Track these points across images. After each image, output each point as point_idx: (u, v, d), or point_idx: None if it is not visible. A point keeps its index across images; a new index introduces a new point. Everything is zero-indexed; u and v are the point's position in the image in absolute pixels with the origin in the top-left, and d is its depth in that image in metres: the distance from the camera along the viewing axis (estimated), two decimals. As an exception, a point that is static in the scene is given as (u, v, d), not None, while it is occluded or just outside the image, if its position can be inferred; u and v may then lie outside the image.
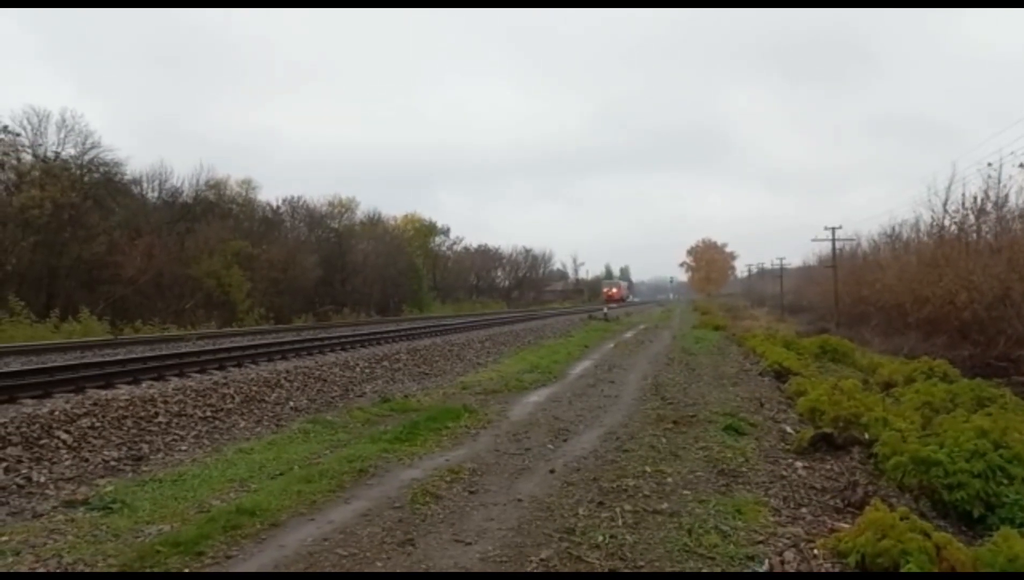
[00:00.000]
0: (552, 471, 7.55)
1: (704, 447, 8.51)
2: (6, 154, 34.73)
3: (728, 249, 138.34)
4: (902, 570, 4.70)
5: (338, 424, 10.58)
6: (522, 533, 5.65)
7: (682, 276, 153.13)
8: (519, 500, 6.54)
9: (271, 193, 64.62)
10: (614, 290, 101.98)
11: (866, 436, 8.97)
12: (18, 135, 34.94)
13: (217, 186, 48.42)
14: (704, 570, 4.90)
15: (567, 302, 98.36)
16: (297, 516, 6.18)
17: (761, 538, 5.51)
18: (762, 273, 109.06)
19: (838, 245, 54.47)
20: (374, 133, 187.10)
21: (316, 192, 69.90)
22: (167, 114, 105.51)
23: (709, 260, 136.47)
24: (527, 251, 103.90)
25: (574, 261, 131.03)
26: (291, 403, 12.31)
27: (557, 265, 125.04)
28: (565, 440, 9.15)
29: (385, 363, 17.38)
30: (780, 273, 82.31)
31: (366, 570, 4.98)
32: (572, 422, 10.33)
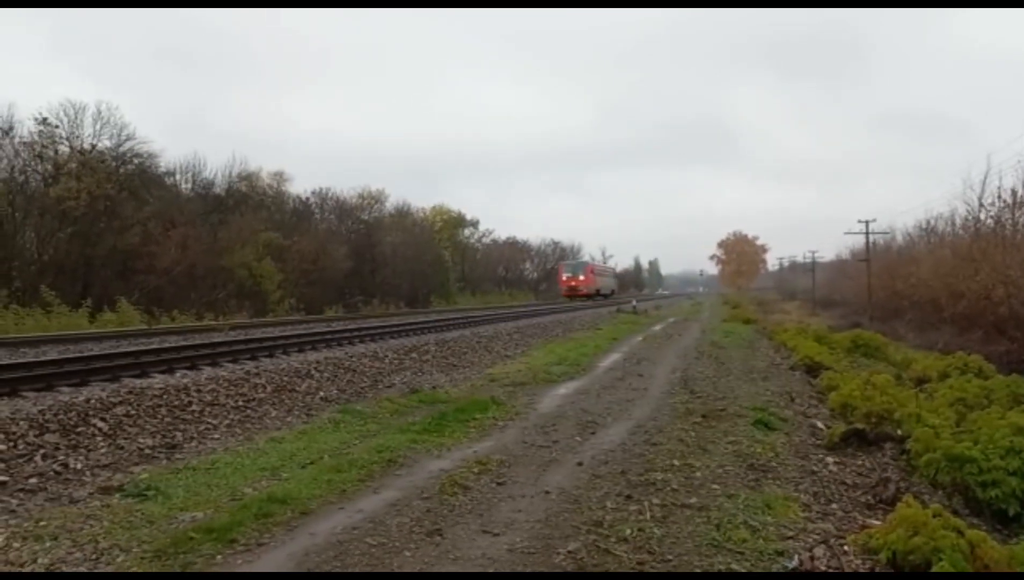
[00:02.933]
0: (580, 464, 7.56)
1: (733, 441, 8.46)
2: (44, 146, 35.33)
3: (759, 242, 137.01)
4: (934, 568, 4.65)
5: (367, 414, 10.67)
6: (550, 525, 5.67)
7: (712, 269, 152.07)
8: (547, 492, 6.56)
9: (300, 185, 65.01)
10: (581, 278, 67.39)
11: (898, 432, 8.87)
12: (56, 127, 35.53)
13: (249, 178, 48.95)
14: (733, 565, 4.88)
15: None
16: (327, 505, 6.25)
17: (791, 534, 5.48)
18: (793, 266, 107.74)
19: (871, 238, 53.69)
20: (391, 129, 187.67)
21: (341, 185, 70.48)
22: (186, 110, 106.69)
23: (740, 253, 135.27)
24: (555, 243, 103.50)
25: (603, 254, 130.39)
26: (321, 393, 12.42)
27: (586, 258, 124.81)
28: (593, 433, 9.14)
29: (414, 354, 17.47)
30: (812, 266, 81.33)
31: (394, 560, 5.02)
32: (600, 415, 10.31)
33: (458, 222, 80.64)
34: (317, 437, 9.13)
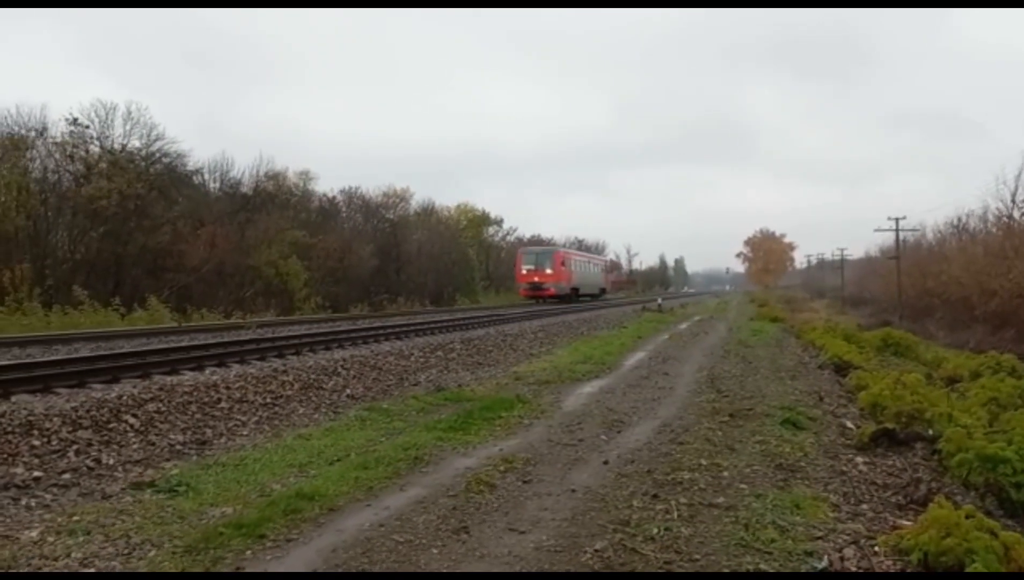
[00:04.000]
0: (606, 462, 7.54)
1: (761, 441, 8.40)
2: (75, 146, 35.88)
3: (786, 239, 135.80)
4: (967, 569, 4.58)
5: (394, 412, 10.72)
6: (576, 524, 5.66)
7: (738, 267, 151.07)
8: (573, 491, 6.55)
9: (325, 185, 65.52)
10: (548, 271, 47.89)
11: (930, 432, 8.74)
12: (87, 128, 36.07)
13: (276, 178, 49.34)
14: (761, 565, 4.84)
15: (620, 292, 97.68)
16: (354, 502, 6.29)
17: (820, 534, 5.42)
18: (822, 264, 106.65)
19: (901, 236, 53.01)
20: (415, 129, 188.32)
21: (367, 184, 70.86)
22: (211, 111, 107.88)
23: (767, 250, 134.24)
24: (579, 241, 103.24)
25: (627, 251, 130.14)
26: (348, 391, 12.50)
27: (610, 255, 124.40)
28: (619, 431, 9.12)
29: (439, 353, 17.53)
30: (841, 264, 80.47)
31: (421, 556, 5.04)
32: (626, 413, 10.28)
33: (482, 220, 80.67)
34: (344, 434, 9.19)
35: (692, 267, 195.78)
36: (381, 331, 20.01)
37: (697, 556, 4.98)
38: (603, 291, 64.99)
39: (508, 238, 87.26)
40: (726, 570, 4.79)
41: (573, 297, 52.10)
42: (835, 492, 6.58)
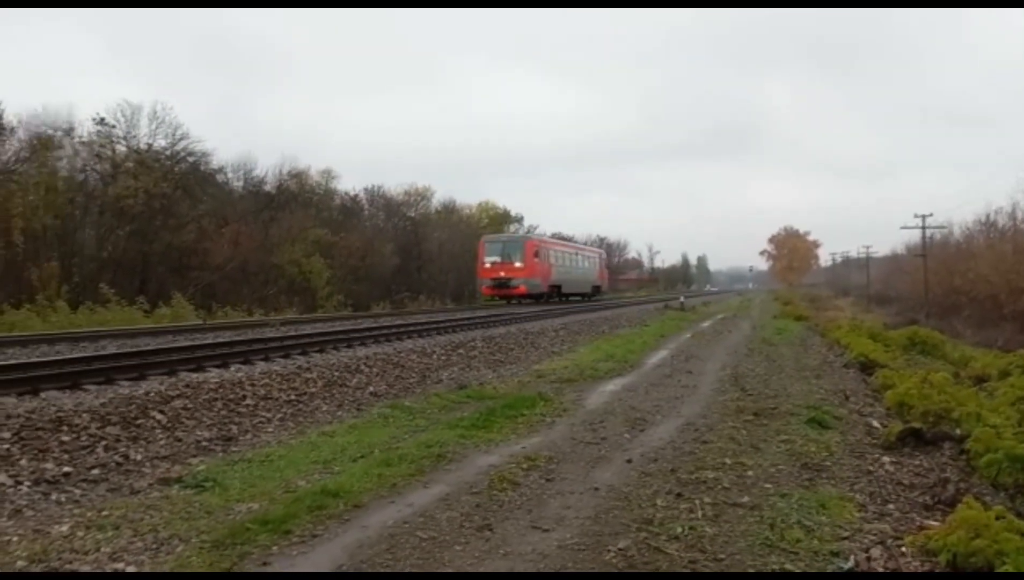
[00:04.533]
0: (629, 461, 7.52)
1: (786, 440, 8.34)
2: (103, 146, 36.35)
3: (811, 237, 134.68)
4: (998, 571, 4.53)
5: (416, 410, 10.76)
6: (599, 522, 5.65)
7: (762, 265, 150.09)
8: (596, 489, 6.54)
9: (347, 183, 65.95)
10: (517, 265, 39.51)
11: (957, 432, 8.64)
12: (113, 127, 36.53)
13: (299, 176, 49.73)
14: (787, 565, 4.81)
15: (642, 291, 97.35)
16: (379, 498, 6.32)
17: (846, 534, 5.38)
18: (847, 262, 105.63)
19: (927, 233, 52.38)
20: (436, 128, 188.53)
21: (388, 183, 71.10)
22: (236, 110, 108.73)
23: (791, 248, 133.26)
24: (601, 239, 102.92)
25: (649, 249, 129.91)
26: (371, 388, 12.57)
27: (632, 254, 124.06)
28: (642, 430, 9.09)
29: (461, 350, 17.56)
30: (866, 262, 79.68)
31: (445, 553, 5.06)
32: (649, 412, 10.25)
33: (504, 218, 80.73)
34: (367, 432, 9.24)
35: (715, 265, 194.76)
36: (403, 329, 20.08)
37: (722, 555, 4.96)
38: (597, 290, 55.39)
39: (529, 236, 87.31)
40: (751, 570, 4.76)
41: (553, 296, 44.09)
42: (861, 492, 6.52)
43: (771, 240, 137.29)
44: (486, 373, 15.39)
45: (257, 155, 67.85)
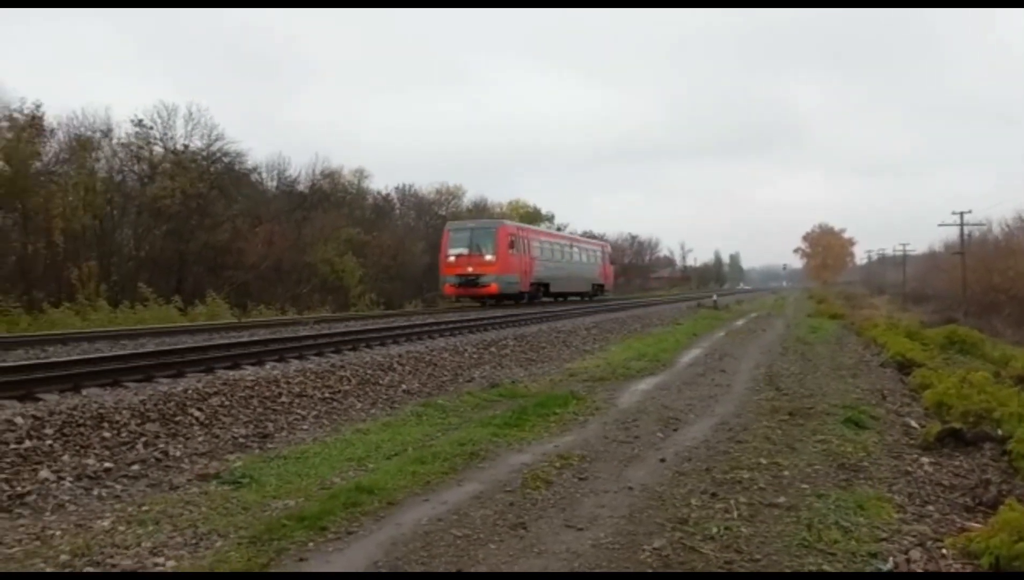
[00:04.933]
0: (663, 460, 7.48)
1: (822, 440, 8.25)
2: (140, 147, 36.97)
3: (846, 235, 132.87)
4: (1042, 575, 4.44)
5: (449, 408, 10.81)
6: (634, 521, 5.64)
7: (796, 263, 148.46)
8: (630, 488, 6.52)
9: (379, 182, 66.33)
10: (488, 257, 32.53)
11: (999, 432, 8.47)
12: (151, 128, 37.11)
13: (331, 176, 50.18)
14: (824, 566, 4.76)
15: (675, 289, 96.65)
16: (412, 496, 6.36)
17: (885, 535, 5.31)
18: (883, 260, 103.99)
19: (966, 230, 51.41)
20: (466, 127, 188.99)
21: (419, 182, 71.28)
22: (267, 111, 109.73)
23: (825, 246, 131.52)
24: (632, 237, 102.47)
25: (681, 247, 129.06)
26: (404, 386, 12.64)
27: (664, 252, 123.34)
28: (675, 429, 9.04)
29: (492, 349, 17.59)
30: (903, 259, 78.43)
31: (479, 551, 5.08)
32: (682, 411, 10.19)
33: (534, 216, 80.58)
34: (401, 429, 9.30)
35: (748, 263, 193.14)
36: (435, 327, 20.15)
37: (758, 556, 4.92)
38: (599, 289, 47.81)
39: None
40: (788, 570, 4.72)
41: (538, 296, 37.27)
42: (900, 493, 6.43)
43: (805, 237, 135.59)
44: (518, 371, 15.40)
45: (290, 155, 68.47)
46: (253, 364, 12.44)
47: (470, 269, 32.56)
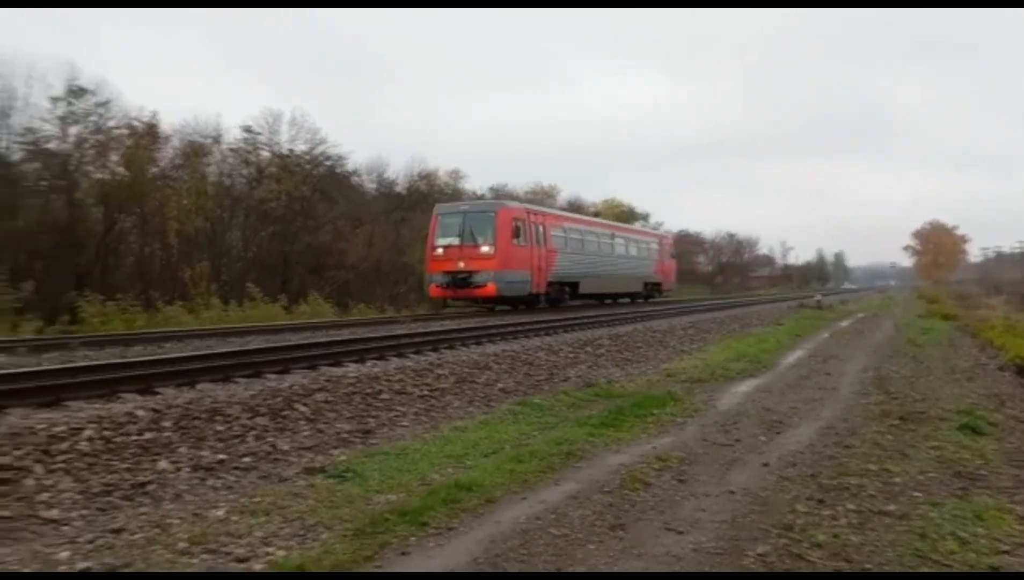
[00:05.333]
0: (765, 464, 7.30)
1: (936, 446, 7.87)
2: (248, 152, 38.57)
3: (959, 232, 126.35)
4: None
5: (545, 407, 10.83)
6: (736, 526, 5.52)
7: (905, 261, 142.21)
8: (731, 492, 6.39)
9: (475, 183, 66.93)
10: (484, 249, 26.15)
11: None
12: (258, 134, 38.65)
13: (428, 177, 51.03)
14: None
15: (774, 288, 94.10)
16: (510, 494, 6.41)
17: (1006, 548, 5.03)
18: (999, 258, 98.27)
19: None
20: (557, 126, 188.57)
21: (514, 181, 71.47)
22: (370, 113, 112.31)
23: (937, 243, 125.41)
24: (731, 236, 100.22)
25: (782, 246, 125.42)
26: (500, 385, 12.75)
27: (763, 250, 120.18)
28: (778, 433, 8.80)
29: (588, 349, 17.54)
30: (1022, 257, 73.90)
31: (578, 551, 5.08)
32: (785, 414, 9.91)
33: (629, 215, 79.87)
34: (498, 427, 9.38)
35: (853, 262, 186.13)
36: (530, 327, 20.24)
37: (869, 565, 4.74)
38: (655, 288, 41.07)
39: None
40: (901, 582, 4.54)
41: (561, 298, 31.13)
42: (1022, 503, 6.07)
43: (915, 235, 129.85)
44: (614, 371, 15.29)
45: (388, 158, 70.08)
46: (355, 361, 12.79)
47: (461, 265, 26.09)
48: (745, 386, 12.57)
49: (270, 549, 5.23)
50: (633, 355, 17.87)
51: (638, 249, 39.94)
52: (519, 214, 27.84)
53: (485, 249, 26.15)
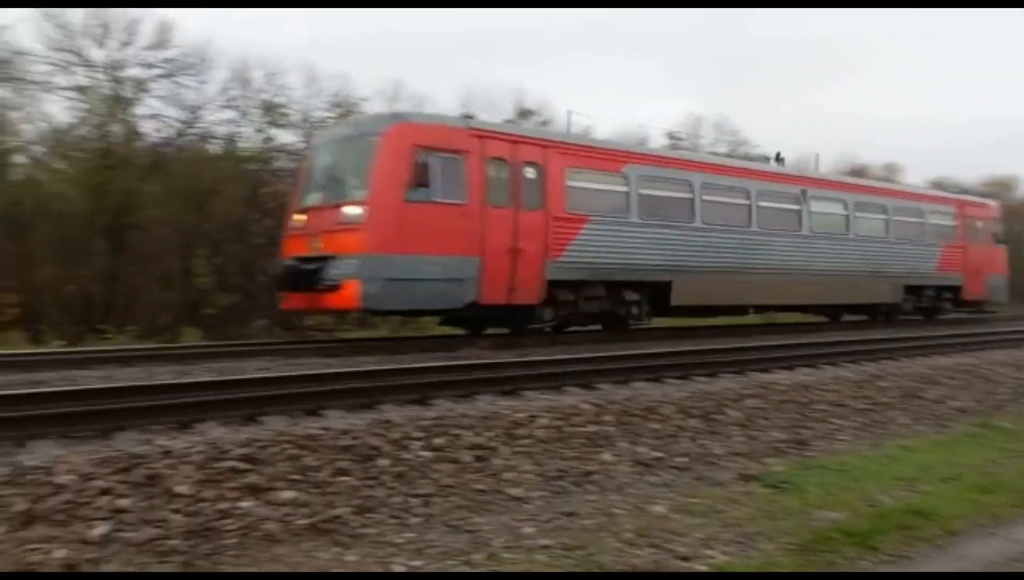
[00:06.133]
0: None
1: None
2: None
3: None
4: None
5: (1014, 431, 9.42)
6: None
7: None
8: None
9: (912, 176, 60.20)
10: (346, 208, 12.56)
11: None
12: (681, 139, 39.54)
13: (860, 172, 47.57)
14: None
15: None
16: (976, 527, 5.75)
17: None
18: None
19: None
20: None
21: (962, 172, 62.69)
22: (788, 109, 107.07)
23: None
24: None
25: None
26: (954, 402, 11.38)
27: None
28: None
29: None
30: None
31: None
32: None
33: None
34: (953, 450, 8.41)
35: None
36: (988, 337, 17.73)
37: None
38: (952, 293, 23.90)
39: None
40: None
41: (588, 316, 16.03)
42: None
43: None
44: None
45: (818, 151, 66.72)
46: (784, 368, 12.40)
47: (318, 244, 13.01)
48: None
49: (711, 552, 5.31)
50: None
51: (886, 222, 21.81)
52: (440, 136, 13.37)
53: (348, 210, 12.95)
